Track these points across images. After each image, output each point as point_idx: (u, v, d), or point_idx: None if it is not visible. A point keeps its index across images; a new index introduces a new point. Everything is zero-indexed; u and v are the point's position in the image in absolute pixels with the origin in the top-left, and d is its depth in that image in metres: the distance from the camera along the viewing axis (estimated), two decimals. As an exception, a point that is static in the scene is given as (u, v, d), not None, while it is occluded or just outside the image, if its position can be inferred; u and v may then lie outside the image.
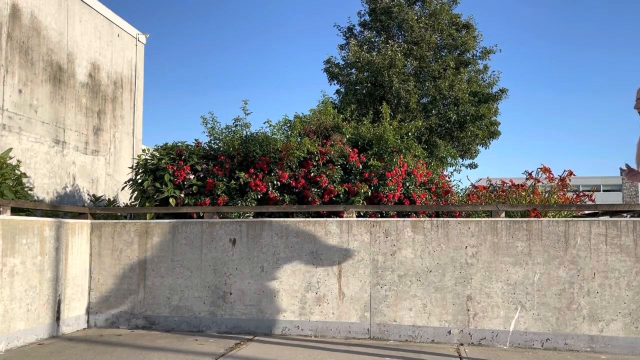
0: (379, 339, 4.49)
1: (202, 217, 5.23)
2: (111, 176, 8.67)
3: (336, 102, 14.99)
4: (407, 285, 4.49)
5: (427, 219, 4.58)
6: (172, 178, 5.60)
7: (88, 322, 4.97)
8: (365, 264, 4.57)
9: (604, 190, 44.55)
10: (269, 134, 5.98)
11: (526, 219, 4.47)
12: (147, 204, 5.64)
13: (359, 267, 4.58)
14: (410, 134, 6.34)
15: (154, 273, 4.91)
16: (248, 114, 6.19)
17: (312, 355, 3.91)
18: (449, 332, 4.39)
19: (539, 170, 5.72)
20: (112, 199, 7.34)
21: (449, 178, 7.05)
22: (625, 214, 5.36)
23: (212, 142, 6.12)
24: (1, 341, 3.95)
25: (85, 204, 7.76)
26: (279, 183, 5.55)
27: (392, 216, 5.42)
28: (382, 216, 5.42)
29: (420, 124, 7.05)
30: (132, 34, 9.51)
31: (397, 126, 6.25)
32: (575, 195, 5.70)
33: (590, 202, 5.60)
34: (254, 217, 5.52)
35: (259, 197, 5.52)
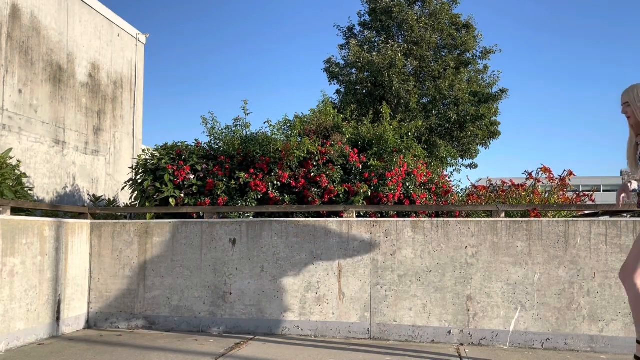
0: (379, 339, 4.49)
1: (202, 217, 5.23)
2: (111, 176, 8.67)
3: (336, 102, 15.00)
4: (407, 285, 4.49)
5: (427, 219, 4.58)
6: (172, 178, 5.60)
7: (88, 322, 4.97)
8: (365, 264, 4.57)
9: (604, 190, 44.54)
10: (269, 134, 5.98)
11: (526, 219, 4.47)
12: (147, 204, 5.64)
13: (359, 267, 4.58)
14: (410, 134, 6.34)
15: (153, 273, 4.91)
16: (248, 114, 6.19)
17: (312, 355, 3.91)
18: (449, 332, 4.39)
19: (539, 170, 5.72)
20: (112, 199, 7.34)
21: (449, 178, 7.05)
22: (625, 214, 5.36)
23: (212, 142, 6.11)
24: (1, 341, 3.95)
25: (85, 204, 7.76)
26: (279, 183, 5.55)
27: (392, 216, 5.42)
28: (382, 216, 5.42)
29: (420, 124, 7.05)
30: (132, 34, 9.51)
31: (397, 126, 6.25)
32: (575, 195, 5.70)
33: (590, 202, 5.59)
34: (254, 217, 5.52)
35: (259, 197, 5.52)
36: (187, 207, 5.18)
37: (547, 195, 5.50)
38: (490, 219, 4.49)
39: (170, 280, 4.88)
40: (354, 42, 14.89)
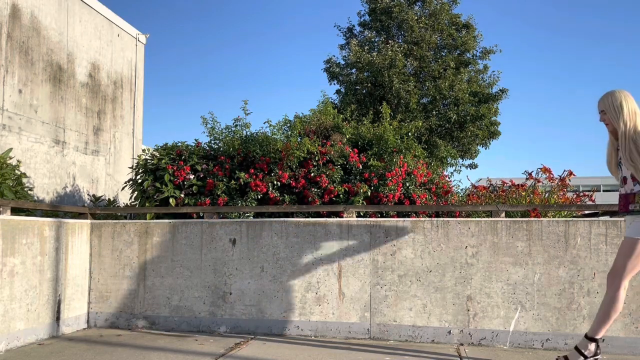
0: (379, 339, 4.49)
1: (202, 217, 5.23)
2: (111, 176, 8.67)
3: (336, 102, 15.01)
4: (407, 285, 4.49)
5: (427, 219, 4.58)
6: (172, 178, 5.60)
7: (88, 322, 4.97)
8: (365, 264, 4.57)
9: (604, 190, 44.54)
10: (269, 134, 5.98)
11: (526, 219, 4.47)
12: (147, 204, 5.64)
13: (359, 267, 4.58)
14: (410, 134, 6.34)
15: (154, 273, 4.91)
16: (248, 114, 6.19)
17: (312, 355, 3.91)
18: (449, 332, 4.39)
19: (539, 170, 5.72)
20: (112, 199, 7.34)
21: (449, 178, 7.05)
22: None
23: (212, 142, 6.11)
24: (1, 341, 3.95)
25: (85, 204, 7.76)
26: (279, 183, 5.56)
27: (392, 216, 5.42)
28: (382, 216, 5.42)
29: (420, 124, 7.05)
30: (132, 34, 9.51)
31: (397, 126, 6.25)
32: (575, 195, 5.70)
33: (590, 202, 5.59)
34: (254, 217, 5.52)
35: (259, 197, 5.52)
36: (187, 207, 5.19)
37: (547, 195, 5.50)
38: (490, 219, 4.49)
39: (170, 280, 4.88)
40: (354, 42, 14.90)
